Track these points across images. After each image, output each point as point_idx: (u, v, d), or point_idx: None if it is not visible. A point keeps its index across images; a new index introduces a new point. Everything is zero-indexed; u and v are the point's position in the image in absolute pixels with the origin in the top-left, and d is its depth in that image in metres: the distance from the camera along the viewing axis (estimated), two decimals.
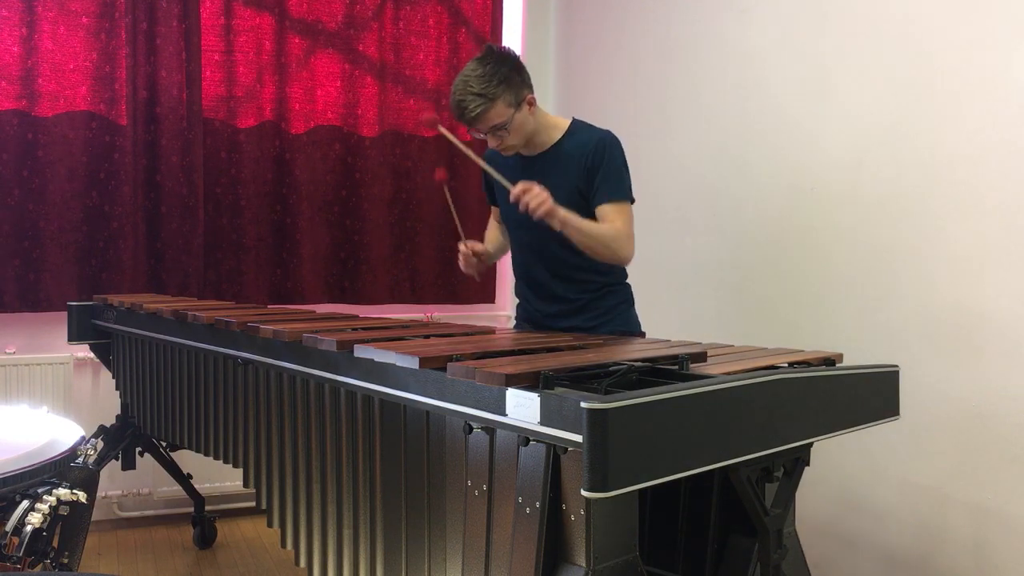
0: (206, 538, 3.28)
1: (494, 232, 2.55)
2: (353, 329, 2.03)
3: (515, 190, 2.09)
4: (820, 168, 2.52)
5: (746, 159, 2.84)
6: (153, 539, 3.37)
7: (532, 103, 2.18)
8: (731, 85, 2.90)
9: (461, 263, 2.37)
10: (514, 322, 2.53)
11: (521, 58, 2.20)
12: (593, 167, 2.18)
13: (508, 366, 1.43)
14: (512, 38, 4.08)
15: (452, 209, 2.37)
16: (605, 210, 2.17)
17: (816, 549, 2.47)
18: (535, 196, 2.06)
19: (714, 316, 2.96)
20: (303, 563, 2.04)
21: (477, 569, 1.48)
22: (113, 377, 3.18)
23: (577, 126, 2.28)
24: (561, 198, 2.14)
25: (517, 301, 2.49)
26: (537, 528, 1.34)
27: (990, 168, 2.04)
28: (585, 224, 2.14)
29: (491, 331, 2.13)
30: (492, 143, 2.20)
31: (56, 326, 3.36)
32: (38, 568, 1.53)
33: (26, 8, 3.26)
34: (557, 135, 2.26)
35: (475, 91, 2.09)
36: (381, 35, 3.81)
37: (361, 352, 1.72)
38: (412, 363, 1.56)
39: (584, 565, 1.33)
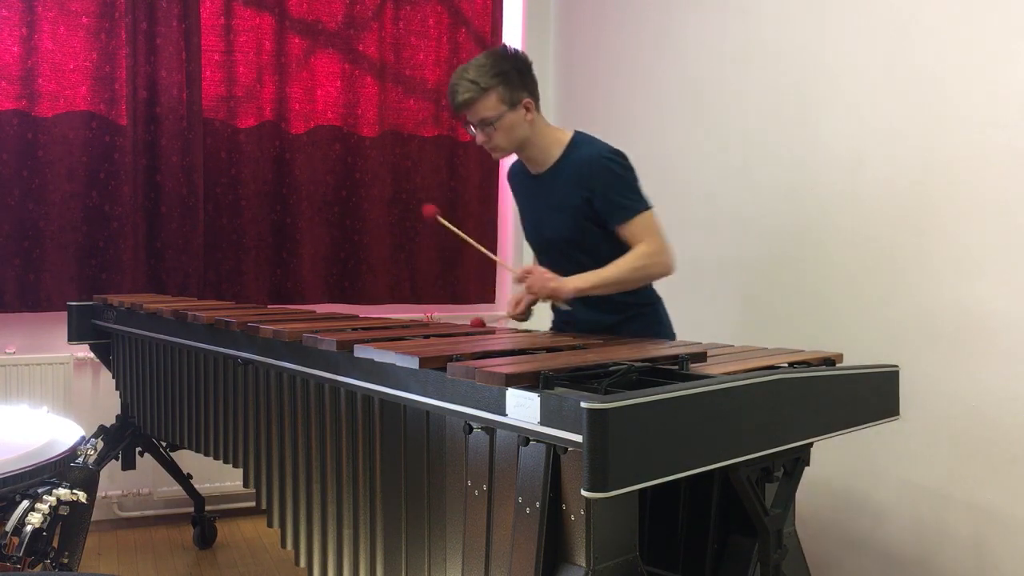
0: (206, 538, 3.28)
1: None
2: (353, 329, 2.03)
3: (517, 274, 2.13)
4: (820, 168, 2.52)
5: (746, 159, 2.84)
6: (153, 539, 3.37)
7: (530, 108, 2.15)
8: (731, 85, 2.90)
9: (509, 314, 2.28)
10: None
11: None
12: (592, 192, 2.11)
13: (508, 366, 1.43)
14: (512, 38, 4.08)
15: (460, 234, 2.32)
16: (626, 230, 2.12)
17: (816, 549, 2.47)
18: (535, 280, 2.09)
19: (714, 316, 2.96)
20: (303, 563, 2.04)
21: (477, 569, 1.48)
22: (113, 377, 3.18)
23: (577, 140, 2.20)
24: (567, 218, 2.14)
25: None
26: (537, 528, 1.34)
27: (990, 168, 2.04)
28: (605, 274, 2.09)
29: (491, 331, 2.13)
30: (480, 139, 2.17)
31: (56, 326, 3.36)
32: (38, 568, 1.53)
33: (26, 8, 3.26)
34: (559, 151, 2.19)
35: (469, 78, 2.09)
36: (381, 35, 3.81)
37: (361, 352, 1.72)
38: (412, 363, 1.56)
39: (584, 565, 1.32)
